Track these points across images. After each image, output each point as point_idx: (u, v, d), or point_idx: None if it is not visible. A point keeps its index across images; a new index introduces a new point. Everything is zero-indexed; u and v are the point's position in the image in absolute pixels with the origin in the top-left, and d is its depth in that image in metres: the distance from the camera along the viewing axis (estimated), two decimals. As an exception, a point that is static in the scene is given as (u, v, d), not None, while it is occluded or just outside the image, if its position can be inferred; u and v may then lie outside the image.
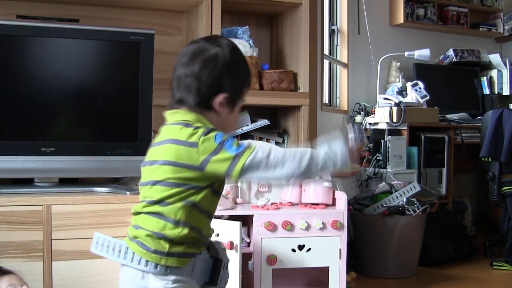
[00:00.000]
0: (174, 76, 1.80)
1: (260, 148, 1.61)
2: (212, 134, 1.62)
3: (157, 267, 1.62)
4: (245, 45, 3.33)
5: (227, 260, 1.80)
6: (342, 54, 4.97)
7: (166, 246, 1.62)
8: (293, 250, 2.91)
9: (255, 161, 1.59)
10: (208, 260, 1.73)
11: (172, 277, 1.63)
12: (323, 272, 3.05)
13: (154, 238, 1.63)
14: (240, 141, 1.66)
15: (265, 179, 1.65)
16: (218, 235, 2.62)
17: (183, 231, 1.63)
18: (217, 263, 1.74)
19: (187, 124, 1.67)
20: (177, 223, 1.63)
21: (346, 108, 4.89)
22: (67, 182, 3.19)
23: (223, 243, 1.87)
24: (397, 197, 3.82)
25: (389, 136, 4.26)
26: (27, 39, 2.98)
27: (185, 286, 1.65)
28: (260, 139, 3.45)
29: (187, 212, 1.64)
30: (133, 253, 1.65)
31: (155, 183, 1.66)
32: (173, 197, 1.63)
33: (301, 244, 2.93)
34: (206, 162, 1.60)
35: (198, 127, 1.64)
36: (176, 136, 1.66)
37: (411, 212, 3.77)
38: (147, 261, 1.63)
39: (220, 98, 1.70)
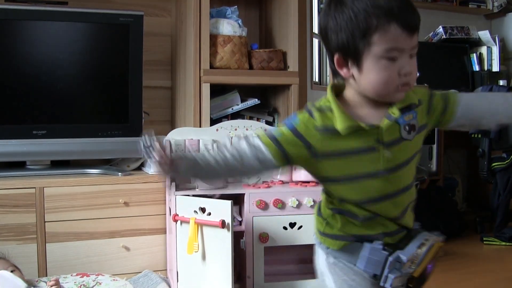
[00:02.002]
0: None
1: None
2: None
3: (320, 245, 1.62)
4: (234, 25, 3.33)
5: (410, 259, 1.50)
6: (332, 32, 4.96)
7: (321, 226, 1.60)
8: (285, 228, 2.93)
9: None
10: (380, 252, 1.50)
11: (331, 259, 1.59)
12: (315, 250, 3.07)
13: (317, 215, 1.63)
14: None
15: None
16: (210, 214, 2.64)
17: (331, 212, 1.56)
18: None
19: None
20: (329, 203, 1.57)
21: (336, 87, 4.88)
22: (59, 164, 3.21)
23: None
24: (387, 174, 3.84)
25: (379, 114, 4.27)
26: (16, 22, 2.97)
27: (343, 268, 1.56)
28: (251, 118, 3.46)
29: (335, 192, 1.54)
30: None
31: None
32: None
33: (293, 222, 2.95)
34: None
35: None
36: None
37: (402, 189, 3.79)
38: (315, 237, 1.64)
39: (335, 59, 1.44)
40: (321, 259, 1.63)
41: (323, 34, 1.47)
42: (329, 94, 1.47)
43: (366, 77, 1.40)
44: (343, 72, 1.44)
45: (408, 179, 1.52)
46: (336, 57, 1.43)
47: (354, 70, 1.42)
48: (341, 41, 1.40)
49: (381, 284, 1.49)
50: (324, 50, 4.98)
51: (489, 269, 3.52)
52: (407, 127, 1.44)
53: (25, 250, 2.81)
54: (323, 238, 1.60)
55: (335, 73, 1.48)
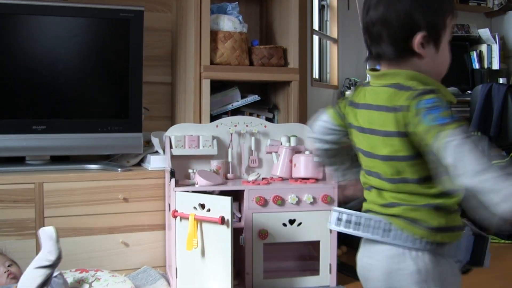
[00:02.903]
0: (363, 25, 1.55)
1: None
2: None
3: (422, 243, 1.44)
4: (234, 21, 3.32)
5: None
6: (332, 29, 4.96)
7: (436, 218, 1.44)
8: (284, 225, 2.93)
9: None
10: (469, 237, 1.52)
11: (433, 262, 1.45)
12: (314, 246, 3.08)
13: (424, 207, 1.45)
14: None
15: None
16: (209, 210, 2.64)
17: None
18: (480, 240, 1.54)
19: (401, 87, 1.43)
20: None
21: (336, 83, 4.89)
22: (59, 160, 3.20)
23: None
24: (387, 171, 3.83)
25: (379, 111, 4.26)
26: (16, 17, 2.97)
27: (444, 265, 1.47)
28: (251, 114, 3.46)
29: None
30: (397, 229, 1.46)
31: None
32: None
33: (292, 219, 2.95)
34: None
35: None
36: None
37: (401, 186, 3.78)
38: (414, 237, 1.44)
39: (418, 38, 1.42)
40: (409, 271, 1.45)
41: (403, 13, 1.44)
42: (417, 74, 1.44)
43: (441, 57, 1.47)
44: (422, 51, 1.44)
45: None
46: (421, 35, 1.42)
47: (431, 50, 1.45)
48: (430, 20, 1.43)
49: (479, 266, 1.56)
50: (324, 47, 4.95)
51: (488, 266, 3.52)
52: None
53: (24, 245, 2.81)
54: (433, 234, 1.44)
55: (398, 54, 1.46)
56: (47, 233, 2.38)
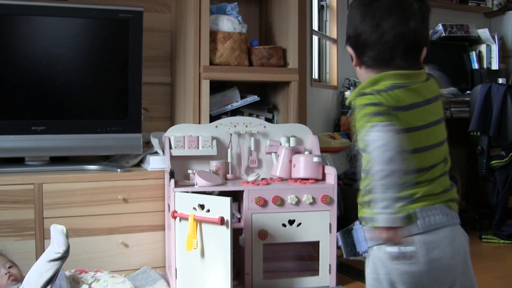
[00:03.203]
0: (399, 34, 1.60)
1: None
2: None
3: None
4: (234, 22, 3.32)
5: None
6: (332, 29, 4.96)
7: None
8: (284, 225, 2.93)
9: None
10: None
11: None
12: (314, 247, 3.07)
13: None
14: None
15: None
16: (209, 211, 2.63)
17: None
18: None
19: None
20: None
21: (335, 84, 4.89)
22: (58, 160, 3.20)
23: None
24: (386, 171, 3.82)
25: (379, 111, 4.26)
26: (15, 18, 2.97)
27: None
28: (250, 115, 3.45)
29: None
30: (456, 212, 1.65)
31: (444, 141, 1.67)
32: None
33: (292, 219, 2.95)
34: None
35: None
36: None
37: (401, 186, 3.78)
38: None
39: (424, 52, 1.65)
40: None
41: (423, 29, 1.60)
42: None
43: None
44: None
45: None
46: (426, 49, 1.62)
47: None
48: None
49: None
50: (324, 47, 4.94)
51: (487, 267, 3.52)
52: None
53: (24, 246, 2.81)
54: None
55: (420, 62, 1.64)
56: (57, 228, 2.39)
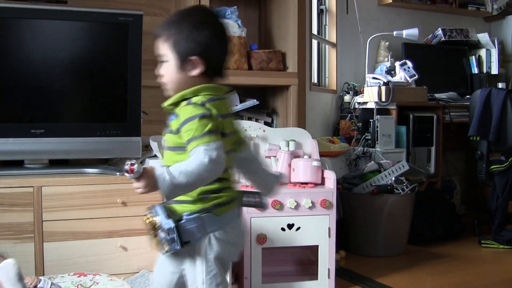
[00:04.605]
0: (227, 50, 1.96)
1: None
2: None
3: None
4: (233, 26, 3.32)
5: None
6: (331, 33, 4.97)
7: None
8: (283, 229, 2.93)
9: None
10: None
11: None
12: (313, 251, 3.07)
13: None
14: None
15: None
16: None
17: None
18: None
19: None
20: None
21: (335, 88, 4.90)
22: (57, 163, 3.20)
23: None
24: (386, 176, 3.84)
25: (378, 116, 4.28)
26: (15, 21, 2.97)
27: None
28: (250, 119, 3.46)
29: None
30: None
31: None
32: None
33: (291, 223, 2.95)
34: None
35: None
36: None
37: (400, 191, 3.79)
38: None
39: None
40: None
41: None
42: None
43: None
44: None
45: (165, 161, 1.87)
46: None
47: None
48: None
49: None
50: (323, 51, 4.95)
51: (487, 272, 3.52)
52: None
53: (23, 249, 2.80)
54: None
55: None
56: (4, 270, 2.33)
